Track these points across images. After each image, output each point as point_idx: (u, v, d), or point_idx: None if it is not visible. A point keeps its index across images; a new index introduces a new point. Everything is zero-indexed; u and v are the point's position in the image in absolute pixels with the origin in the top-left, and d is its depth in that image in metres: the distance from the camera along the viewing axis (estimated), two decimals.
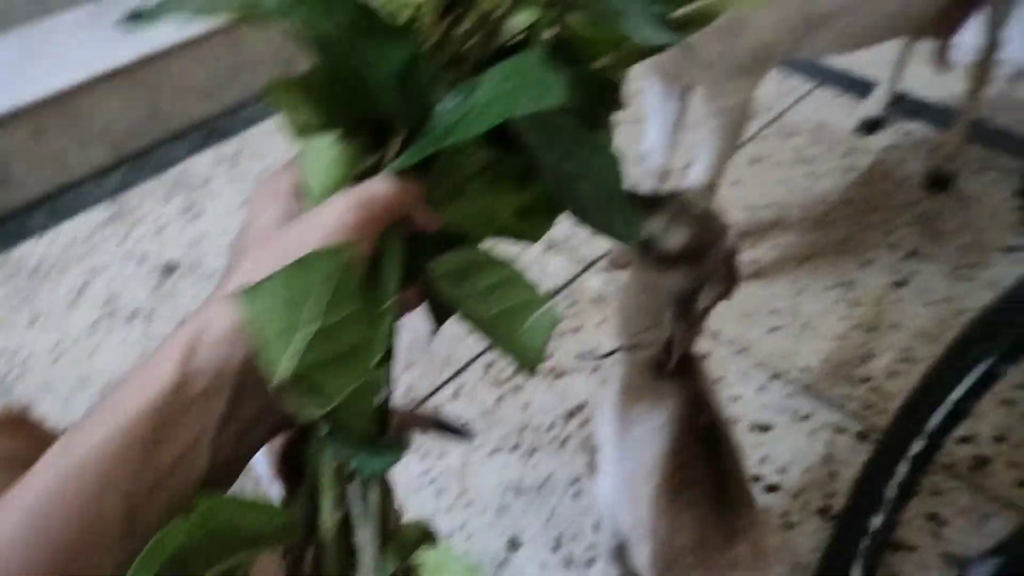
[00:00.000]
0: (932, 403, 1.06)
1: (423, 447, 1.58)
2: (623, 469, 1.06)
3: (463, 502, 1.50)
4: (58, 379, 1.73)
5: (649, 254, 0.96)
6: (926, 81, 2.33)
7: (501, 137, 0.39)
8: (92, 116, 2.20)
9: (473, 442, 1.59)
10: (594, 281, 1.93)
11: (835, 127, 2.40)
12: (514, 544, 1.45)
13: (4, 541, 0.27)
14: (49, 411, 1.66)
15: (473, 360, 1.75)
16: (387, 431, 0.38)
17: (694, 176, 1.68)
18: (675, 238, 0.93)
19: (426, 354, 1.76)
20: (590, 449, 1.59)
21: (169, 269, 1.98)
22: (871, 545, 1.08)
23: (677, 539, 0.92)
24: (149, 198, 2.20)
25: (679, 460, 0.96)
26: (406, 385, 1.70)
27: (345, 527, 0.36)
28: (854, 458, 1.54)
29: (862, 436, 1.59)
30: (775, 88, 2.54)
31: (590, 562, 1.42)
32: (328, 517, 0.36)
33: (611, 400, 1.13)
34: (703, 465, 0.95)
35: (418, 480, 1.54)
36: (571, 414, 1.65)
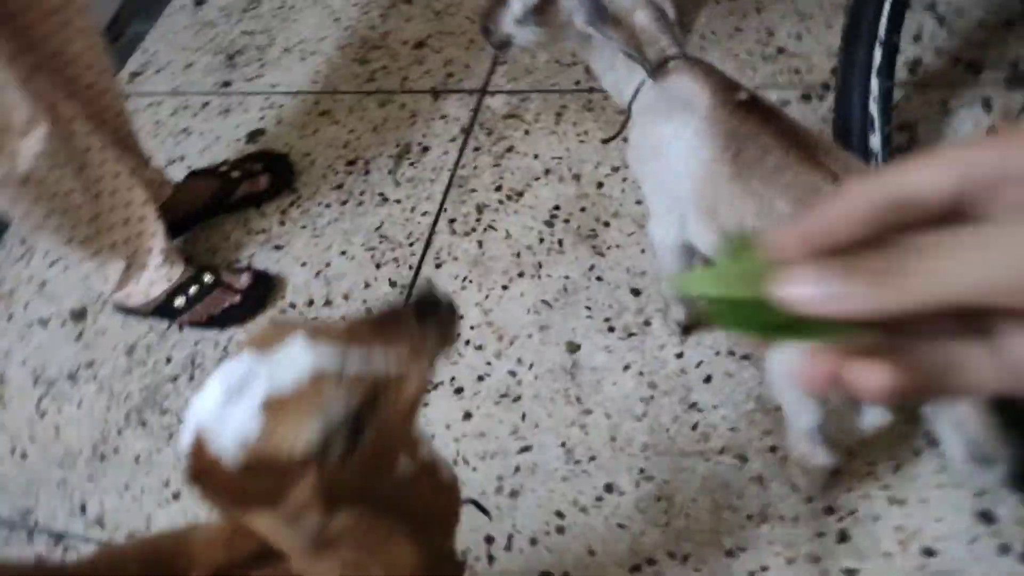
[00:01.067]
0: None
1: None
2: (678, 192, 1.05)
3: (506, 343, 1.49)
4: (39, 472, 1.54)
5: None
6: None
7: None
8: None
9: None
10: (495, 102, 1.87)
11: None
12: (572, 347, 1.46)
13: None
14: (53, 506, 1.49)
15: (434, 224, 1.68)
16: None
17: None
18: None
19: (390, 243, 1.68)
20: (585, 236, 1.59)
21: (78, 315, 1.76)
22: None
23: (777, 205, 0.91)
24: (6, 264, 1.91)
25: (736, 146, 0.94)
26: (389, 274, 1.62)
27: None
28: (812, 115, 1.62)
29: (806, 97, 1.67)
30: None
31: (646, 323, 1.45)
32: None
33: (634, 146, 1.11)
34: (763, 135, 0.93)
35: (459, 348, 1.50)
36: (551, 220, 1.63)
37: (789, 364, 0.94)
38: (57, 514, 1.48)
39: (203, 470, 0.57)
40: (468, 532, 1.27)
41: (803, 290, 0.24)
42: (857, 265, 0.24)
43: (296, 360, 0.57)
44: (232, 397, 0.56)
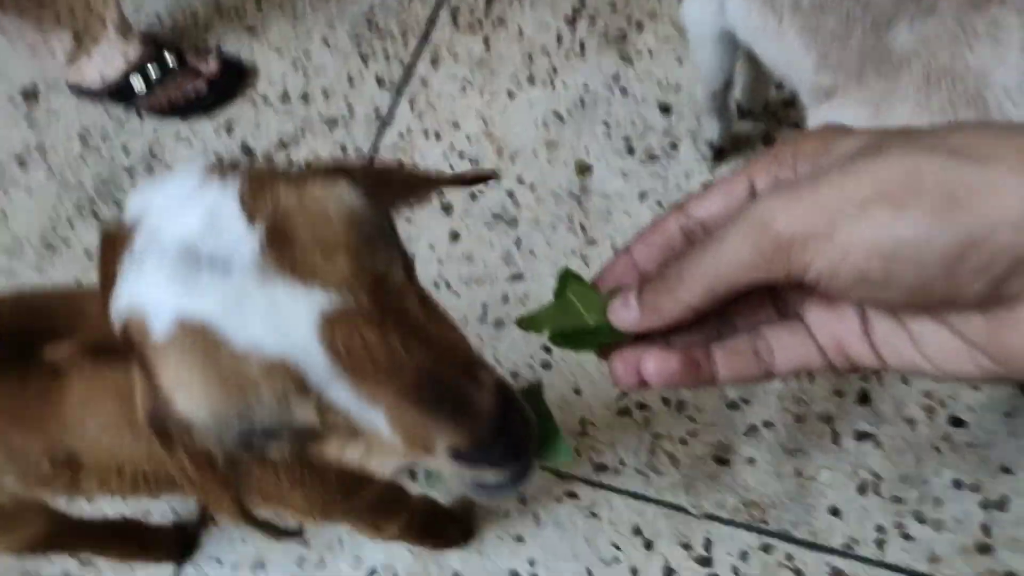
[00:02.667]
0: None
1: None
2: None
3: (507, 158, 1.29)
4: None
5: None
6: None
7: None
8: None
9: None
10: None
11: None
12: (583, 168, 1.26)
13: None
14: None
15: (434, 14, 1.43)
16: None
17: None
18: None
19: (380, 34, 1.44)
20: (612, 39, 1.34)
21: (29, 94, 1.56)
22: None
23: None
24: None
25: None
26: (374, 74, 1.40)
27: None
28: None
29: None
30: None
31: (673, 146, 1.25)
32: None
33: None
34: None
35: (443, 159, 1.32)
36: (573, 17, 1.38)
37: None
38: None
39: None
40: None
41: (622, 316, 0.32)
42: (643, 292, 0.31)
43: (280, 321, 0.34)
44: (188, 264, 0.34)
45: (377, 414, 0.35)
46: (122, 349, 0.46)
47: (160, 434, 0.38)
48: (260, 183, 0.36)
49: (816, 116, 0.80)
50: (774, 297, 0.33)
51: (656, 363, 0.31)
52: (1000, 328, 0.26)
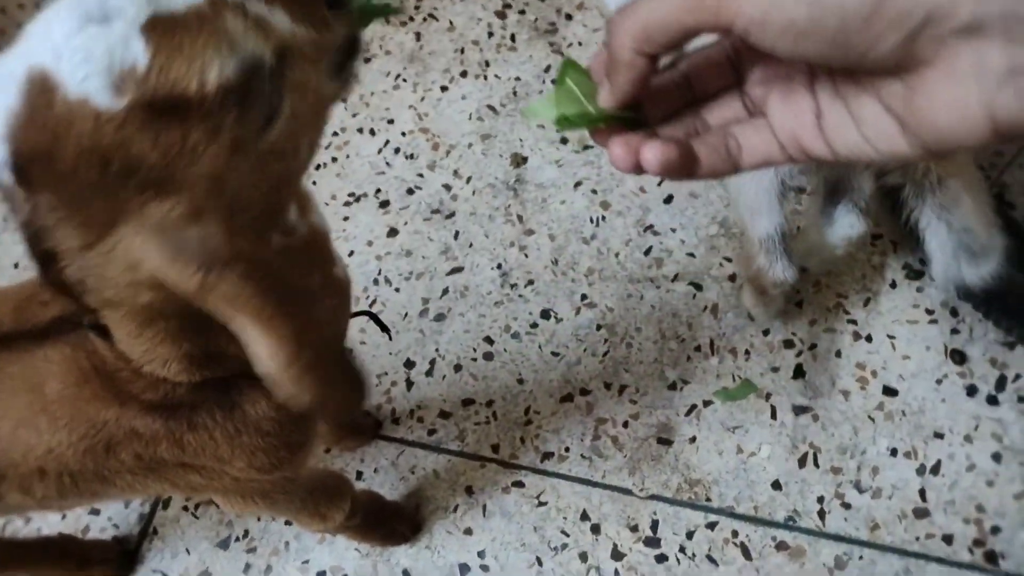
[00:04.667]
0: None
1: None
2: None
3: (442, 152, 1.29)
4: None
5: None
6: None
7: None
8: None
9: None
10: None
11: None
12: (518, 160, 1.26)
13: None
14: None
15: None
16: None
17: None
18: None
19: None
20: (543, 31, 1.35)
21: None
22: None
23: None
24: None
25: None
26: None
27: None
28: None
29: None
30: None
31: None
32: None
33: None
34: None
35: (377, 160, 1.30)
36: (503, 10, 1.38)
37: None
38: None
39: (49, 132, 0.36)
40: (387, 356, 1.14)
41: (604, 96, 0.34)
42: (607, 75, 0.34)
43: None
44: (95, 19, 0.36)
45: (278, 11, 0.40)
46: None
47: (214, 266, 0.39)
48: None
49: None
50: (743, 97, 0.36)
51: (655, 152, 0.33)
52: (913, 96, 0.28)
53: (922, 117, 0.28)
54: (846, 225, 0.86)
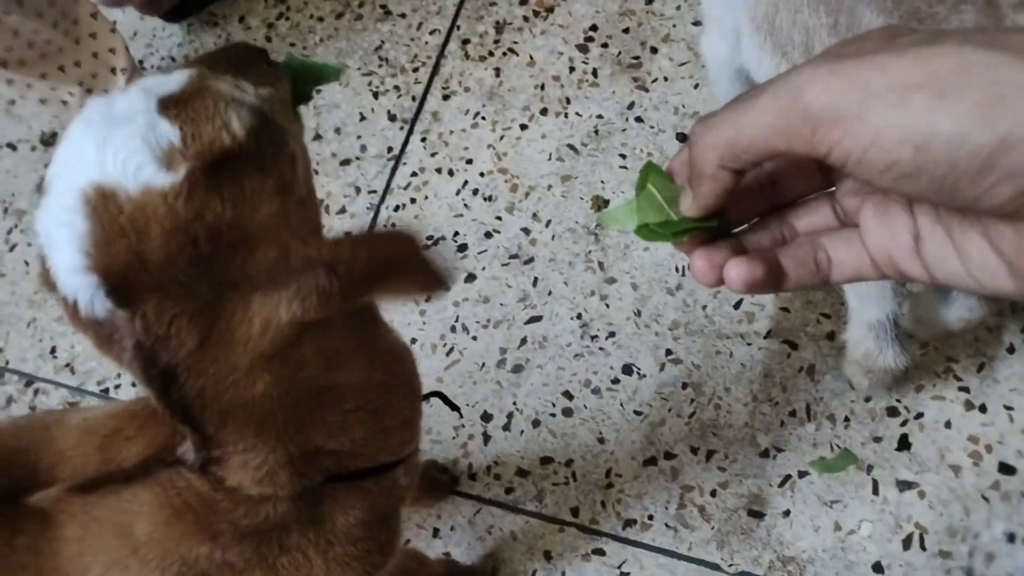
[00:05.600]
0: None
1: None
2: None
3: (521, 194, 1.25)
4: (7, 310, 1.42)
5: None
6: None
7: None
8: None
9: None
10: None
11: None
12: (600, 203, 1.22)
13: None
14: (23, 347, 1.38)
15: (444, 46, 1.40)
16: None
17: None
18: None
19: (391, 68, 1.41)
20: (626, 65, 1.30)
21: (49, 141, 1.56)
22: None
23: (861, 12, 0.64)
24: None
25: None
26: (390, 106, 1.37)
27: None
28: None
29: None
30: None
31: None
32: None
33: None
34: None
35: (456, 198, 1.28)
36: (585, 43, 1.33)
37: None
38: (27, 356, 1.37)
39: (129, 237, 0.38)
40: (465, 407, 1.12)
41: (684, 203, 0.33)
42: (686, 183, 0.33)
43: (171, 76, 0.44)
44: (115, 126, 0.39)
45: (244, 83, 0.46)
46: (110, 479, 0.44)
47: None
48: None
49: None
50: (833, 204, 0.34)
51: (741, 270, 0.32)
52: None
53: None
54: (964, 308, 0.78)
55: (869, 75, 0.25)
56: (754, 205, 0.35)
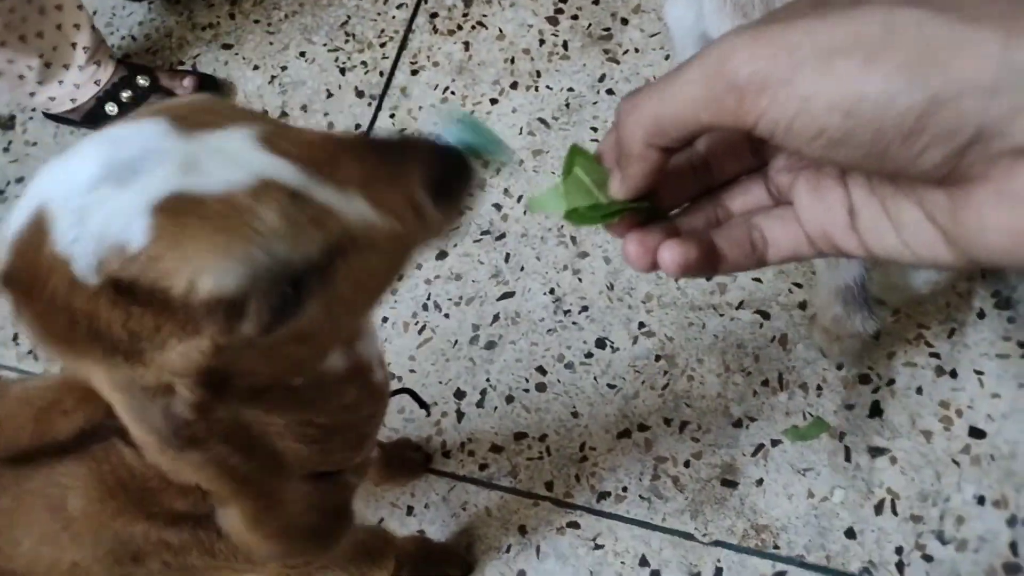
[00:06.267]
0: None
1: None
2: None
3: (493, 173, 1.24)
4: None
5: None
6: None
7: None
8: None
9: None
10: None
11: None
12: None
13: None
14: None
15: (411, 20, 1.37)
16: None
17: None
18: None
19: (358, 44, 1.38)
20: (596, 37, 1.28)
21: (6, 124, 1.52)
22: None
23: None
24: None
25: None
26: (359, 79, 1.34)
27: None
28: None
29: None
30: None
31: None
32: None
33: None
34: None
35: None
36: (555, 16, 1.31)
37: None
38: None
39: (32, 272, 0.34)
40: (437, 384, 1.11)
41: (614, 186, 0.32)
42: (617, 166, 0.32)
43: (233, 157, 0.35)
44: (114, 177, 0.34)
45: (355, 197, 0.36)
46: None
47: (188, 443, 0.38)
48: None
49: None
50: (767, 182, 0.33)
51: (674, 253, 0.30)
52: (958, 211, 0.25)
53: (970, 234, 0.25)
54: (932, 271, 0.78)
55: (794, 39, 0.24)
56: (687, 187, 0.33)
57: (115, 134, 0.35)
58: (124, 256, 0.33)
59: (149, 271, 0.33)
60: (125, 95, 1.37)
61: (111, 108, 1.37)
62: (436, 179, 0.39)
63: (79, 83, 1.36)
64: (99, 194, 0.33)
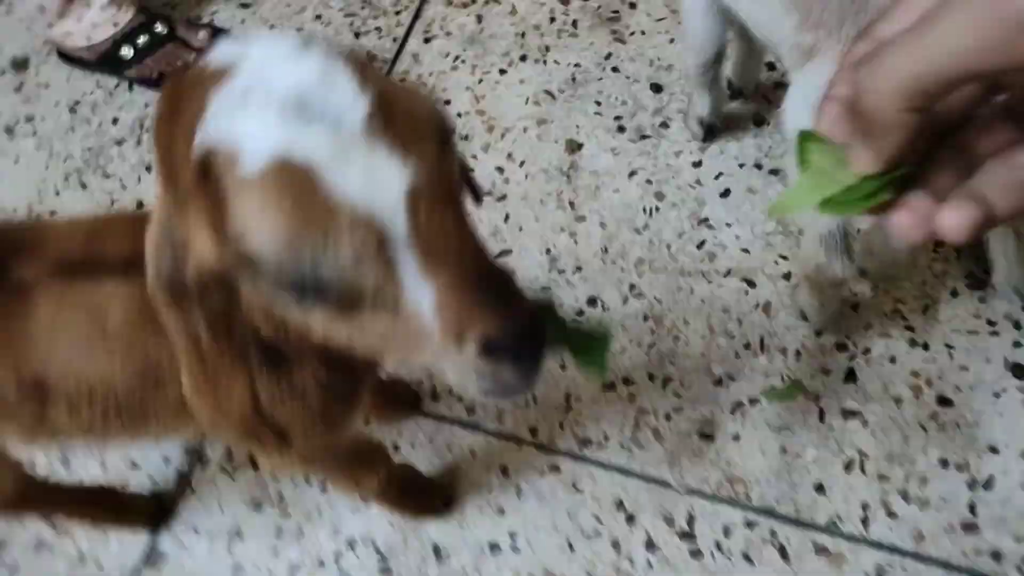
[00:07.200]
0: None
1: None
2: None
3: (497, 135, 1.28)
4: None
5: None
6: None
7: None
8: None
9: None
10: None
11: None
12: (573, 145, 1.25)
13: None
14: None
15: None
16: None
17: None
18: None
19: (373, 10, 1.43)
20: (605, 18, 1.34)
21: (20, 64, 1.54)
22: None
23: None
24: None
25: None
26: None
27: None
28: None
29: None
30: None
31: (664, 125, 1.24)
32: None
33: None
34: None
35: None
36: None
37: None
38: None
39: (187, 102, 0.38)
40: None
41: (862, 161, 0.29)
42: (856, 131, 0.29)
43: (376, 178, 0.37)
44: (297, 109, 0.36)
45: (428, 291, 0.37)
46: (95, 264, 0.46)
47: (175, 297, 0.41)
48: (362, 64, 0.39)
49: (798, 80, 0.79)
50: (1007, 112, 0.29)
51: (958, 217, 0.27)
52: None
53: None
54: None
55: None
56: (921, 139, 0.29)
57: (337, 71, 0.37)
58: (231, 168, 0.36)
59: (237, 192, 0.36)
60: (142, 40, 1.40)
61: (127, 51, 1.41)
62: (496, 345, 0.39)
63: (97, 23, 1.39)
64: (265, 116, 0.36)
